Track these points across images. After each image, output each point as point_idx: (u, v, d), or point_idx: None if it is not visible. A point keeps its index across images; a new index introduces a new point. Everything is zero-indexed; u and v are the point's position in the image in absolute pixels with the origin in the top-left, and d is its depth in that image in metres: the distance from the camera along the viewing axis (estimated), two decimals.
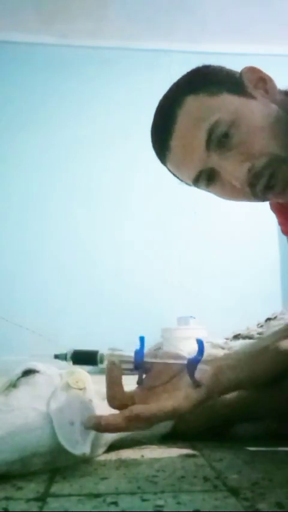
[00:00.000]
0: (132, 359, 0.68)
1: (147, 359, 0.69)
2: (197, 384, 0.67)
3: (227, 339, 2.05)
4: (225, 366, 0.73)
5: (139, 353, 0.68)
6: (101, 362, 0.69)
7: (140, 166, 2.96)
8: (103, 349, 0.71)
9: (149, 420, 0.65)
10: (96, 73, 3.34)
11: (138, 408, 0.64)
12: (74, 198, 3.17)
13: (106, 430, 0.65)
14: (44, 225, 3.12)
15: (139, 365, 0.68)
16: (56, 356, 0.70)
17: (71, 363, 0.70)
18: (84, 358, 0.70)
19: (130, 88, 3.30)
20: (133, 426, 0.66)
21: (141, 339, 0.69)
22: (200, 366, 0.68)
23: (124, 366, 0.68)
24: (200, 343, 0.67)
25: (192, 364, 0.67)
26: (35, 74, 3.29)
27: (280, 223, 1.00)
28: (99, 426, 0.64)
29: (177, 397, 0.66)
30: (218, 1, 3.02)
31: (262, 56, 3.21)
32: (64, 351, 0.70)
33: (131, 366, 0.68)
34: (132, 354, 0.69)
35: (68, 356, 0.70)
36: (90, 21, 3.18)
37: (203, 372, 0.68)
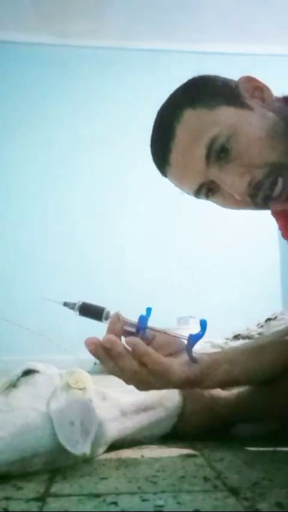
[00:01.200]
0: (136, 324, 0.69)
1: (150, 327, 0.70)
2: (193, 360, 0.69)
3: (227, 339, 2.04)
4: (223, 359, 0.74)
5: (144, 318, 0.69)
6: (106, 318, 0.70)
7: (139, 166, 2.96)
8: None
9: (143, 355, 0.65)
10: (95, 73, 3.34)
11: (139, 341, 0.66)
12: (73, 198, 3.17)
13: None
14: (43, 224, 3.12)
15: (142, 328, 0.69)
16: (65, 304, 0.71)
17: (77, 313, 0.71)
18: (90, 311, 0.71)
19: (129, 88, 3.30)
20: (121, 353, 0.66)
21: (148, 309, 0.70)
22: (199, 354, 0.69)
23: (127, 328, 0.69)
24: (202, 322, 0.68)
25: (193, 339, 0.68)
26: (34, 74, 3.29)
27: (280, 228, 1.00)
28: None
29: (173, 361, 0.68)
30: (217, 1, 3.02)
31: (262, 56, 3.21)
32: (74, 301, 0.72)
33: (133, 330, 0.69)
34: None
35: (76, 306, 0.71)
36: (90, 21, 3.18)
37: (200, 356, 0.70)
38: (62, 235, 3.10)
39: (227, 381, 0.76)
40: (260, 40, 3.29)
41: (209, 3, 3.03)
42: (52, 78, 3.29)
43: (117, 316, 0.69)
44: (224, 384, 0.80)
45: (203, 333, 0.68)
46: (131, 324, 0.70)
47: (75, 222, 3.14)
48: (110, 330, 0.68)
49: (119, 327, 0.68)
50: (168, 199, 3.04)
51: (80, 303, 0.71)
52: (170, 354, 0.70)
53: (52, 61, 3.31)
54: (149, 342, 0.70)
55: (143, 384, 0.69)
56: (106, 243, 3.12)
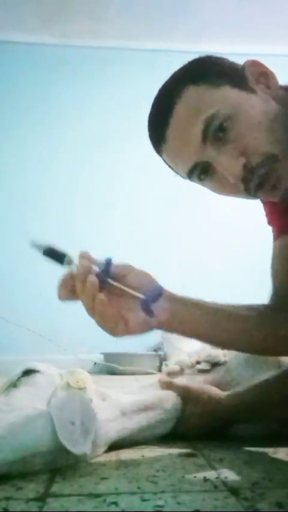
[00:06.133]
0: (102, 266, 0.73)
1: (113, 275, 0.74)
2: (150, 315, 0.72)
3: None
4: (182, 314, 0.77)
5: (110, 261, 0.74)
6: (68, 263, 0.74)
7: (139, 166, 2.96)
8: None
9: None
10: (95, 73, 3.34)
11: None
12: (73, 197, 3.17)
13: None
14: (43, 224, 3.12)
15: (106, 270, 0.73)
16: (32, 244, 0.76)
17: (41, 253, 0.76)
18: (53, 255, 0.75)
19: (130, 88, 3.30)
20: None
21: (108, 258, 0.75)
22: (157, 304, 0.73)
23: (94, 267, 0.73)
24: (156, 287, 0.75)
25: (147, 303, 0.72)
26: (35, 74, 3.29)
27: (266, 214, 0.99)
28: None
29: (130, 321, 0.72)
30: (218, 1, 3.02)
31: (262, 56, 3.18)
32: (41, 243, 0.76)
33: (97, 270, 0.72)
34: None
35: (42, 248, 0.76)
36: (90, 21, 3.18)
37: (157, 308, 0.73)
38: (62, 235, 3.07)
39: (185, 332, 0.78)
40: (260, 40, 3.29)
41: (209, 3, 3.03)
42: (52, 78, 3.29)
43: (86, 254, 0.73)
44: (182, 334, 0.81)
45: (156, 297, 0.73)
46: (98, 265, 0.73)
47: (75, 222, 3.14)
48: (80, 266, 0.72)
49: (87, 264, 0.72)
50: (169, 198, 3.06)
51: (47, 246, 0.76)
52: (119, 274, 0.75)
53: (52, 61, 3.31)
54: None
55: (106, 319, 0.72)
56: (106, 243, 3.11)
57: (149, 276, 0.77)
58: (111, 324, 0.72)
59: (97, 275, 0.71)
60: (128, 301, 0.73)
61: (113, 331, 0.72)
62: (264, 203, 0.95)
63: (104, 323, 0.72)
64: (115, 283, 0.73)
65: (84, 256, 0.73)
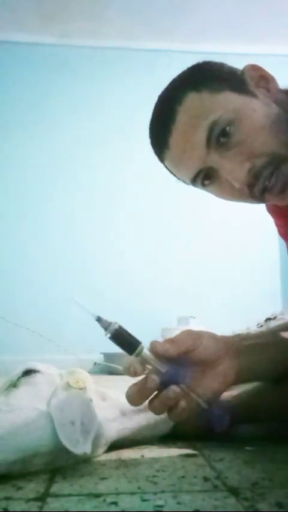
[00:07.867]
0: (164, 370, 0.64)
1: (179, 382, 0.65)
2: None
3: None
4: (247, 368, 0.71)
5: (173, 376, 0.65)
6: (137, 355, 0.65)
7: (139, 166, 2.96)
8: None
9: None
10: (95, 73, 3.34)
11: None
12: (74, 198, 3.17)
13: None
14: (44, 225, 3.12)
15: (166, 383, 0.64)
16: (99, 319, 0.66)
17: (108, 335, 0.66)
18: (122, 341, 0.66)
19: (130, 88, 3.30)
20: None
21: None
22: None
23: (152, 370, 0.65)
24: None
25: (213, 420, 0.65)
26: (35, 74, 3.29)
27: (277, 225, 0.99)
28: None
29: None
30: (218, 1, 3.02)
31: (262, 56, 3.20)
32: (109, 321, 0.65)
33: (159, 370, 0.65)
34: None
35: (110, 329, 0.65)
36: (90, 21, 3.18)
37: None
38: (62, 235, 3.11)
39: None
40: (260, 40, 3.29)
41: (209, 4, 3.03)
42: (52, 78, 3.29)
43: (159, 347, 0.65)
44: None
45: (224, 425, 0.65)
46: (158, 369, 0.65)
47: (75, 222, 3.14)
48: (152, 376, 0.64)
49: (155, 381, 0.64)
50: (169, 199, 3.06)
51: (116, 326, 0.66)
52: (188, 350, 0.66)
53: (52, 61, 3.31)
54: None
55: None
56: (106, 243, 3.12)
57: (215, 340, 0.70)
58: (187, 417, 0.66)
59: (165, 378, 0.64)
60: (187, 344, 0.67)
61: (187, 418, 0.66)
62: (274, 214, 0.94)
63: (181, 420, 0.66)
64: (184, 389, 0.65)
65: (156, 350, 0.65)
